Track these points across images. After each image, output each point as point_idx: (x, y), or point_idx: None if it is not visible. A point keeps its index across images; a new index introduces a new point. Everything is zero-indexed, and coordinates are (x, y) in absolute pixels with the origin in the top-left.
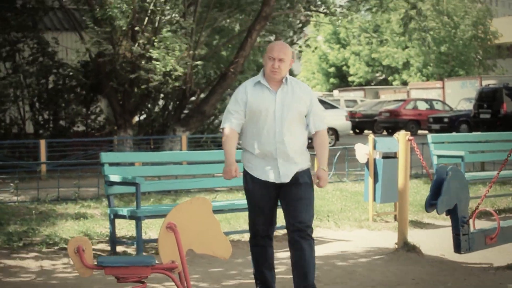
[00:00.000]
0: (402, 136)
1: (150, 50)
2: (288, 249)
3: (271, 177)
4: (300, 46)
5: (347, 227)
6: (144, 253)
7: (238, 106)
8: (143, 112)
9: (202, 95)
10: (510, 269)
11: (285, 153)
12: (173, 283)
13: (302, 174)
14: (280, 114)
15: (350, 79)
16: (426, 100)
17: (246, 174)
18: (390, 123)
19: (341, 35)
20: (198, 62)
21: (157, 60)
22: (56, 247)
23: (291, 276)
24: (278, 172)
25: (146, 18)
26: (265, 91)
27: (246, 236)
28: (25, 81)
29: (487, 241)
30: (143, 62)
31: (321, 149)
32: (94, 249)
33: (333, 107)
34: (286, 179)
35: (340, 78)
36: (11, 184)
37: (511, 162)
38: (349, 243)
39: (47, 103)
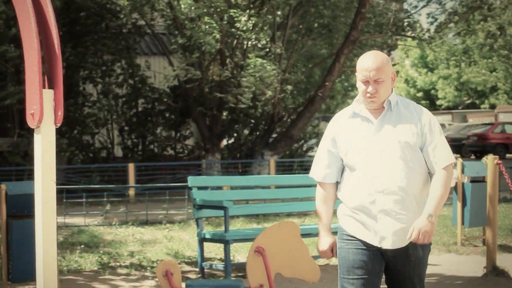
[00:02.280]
0: (490, 160)
1: (239, 75)
2: None
3: (369, 239)
4: None
5: (436, 251)
6: (232, 277)
7: (329, 147)
8: (231, 136)
9: (290, 119)
10: None
11: (388, 206)
12: None
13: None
14: (379, 151)
15: (438, 102)
16: None
17: (340, 231)
18: (478, 147)
19: (429, 58)
20: (288, 87)
21: (246, 86)
22: (144, 270)
23: None
24: (377, 234)
25: (235, 42)
26: (360, 122)
27: (335, 260)
28: (116, 105)
29: None
30: (231, 87)
31: (434, 188)
32: (182, 272)
33: None
34: (389, 244)
35: (428, 102)
36: (101, 208)
37: None
38: (438, 267)
39: (136, 127)
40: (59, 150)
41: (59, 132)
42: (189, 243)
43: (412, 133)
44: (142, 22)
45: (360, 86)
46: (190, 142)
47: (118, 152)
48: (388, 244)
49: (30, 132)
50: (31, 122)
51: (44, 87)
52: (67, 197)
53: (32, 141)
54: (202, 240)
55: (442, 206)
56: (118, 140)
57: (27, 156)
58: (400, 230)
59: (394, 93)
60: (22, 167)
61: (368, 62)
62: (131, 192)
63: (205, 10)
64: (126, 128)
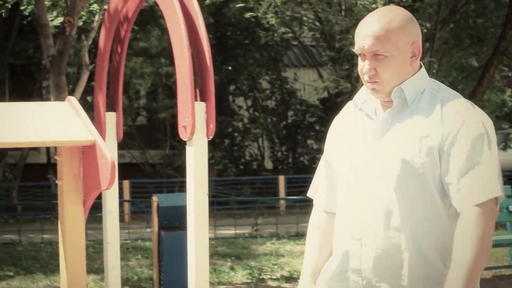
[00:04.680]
0: None
1: None
2: None
3: None
4: None
5: None
6: None
7: (325, 158)
8: None
9: None
10: None
11: (365, 265)
12: None
13: None
14: (367, 175)
15: None
16: None
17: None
18: None
19: None
20: None
21: None
22: (295, 283)
23: None
24: None
25: None
26: (363, 120)
27: (504, 271)
28: (265, 117)
29: None
30: None
31: (460, 243)
32: None
33: None
34: None
35: None
36: (251, 220)
37: None
38: None
39: (285, 139)
40: (213, 163)
41: (212, 144)
42: None
43: (420, 148)
44: (290, 35)
45: (359, 63)
46: None
47: (268, 164)
48: None
49: (182, 144)
50: (183, 135)
51: (196, 100)
52: (217, 209)
53: (184, 153)
54: None
55: (479, 275)
56: (268, 153)
57: (179, 168)
58: None
59: (417, 77)
60: (174, 179)
61: (365, 24)
62: (282, 204)
63: (354, 22)
64: (276, 140)
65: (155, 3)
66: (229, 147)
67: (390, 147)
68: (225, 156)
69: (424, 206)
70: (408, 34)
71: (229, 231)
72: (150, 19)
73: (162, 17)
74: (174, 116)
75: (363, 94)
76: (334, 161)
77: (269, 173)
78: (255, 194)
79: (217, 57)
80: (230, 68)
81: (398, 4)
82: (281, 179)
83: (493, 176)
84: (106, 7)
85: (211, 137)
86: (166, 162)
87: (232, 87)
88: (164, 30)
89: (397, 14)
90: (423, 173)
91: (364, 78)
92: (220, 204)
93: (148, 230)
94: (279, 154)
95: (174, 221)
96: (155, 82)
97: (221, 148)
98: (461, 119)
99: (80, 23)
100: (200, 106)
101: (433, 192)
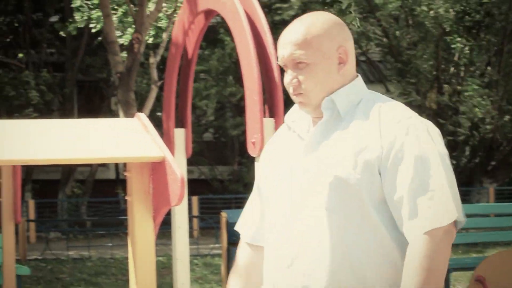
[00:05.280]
0: None
1: (456, 102)
2: None
3: None
4: None
5: None
6: None
7: (257, 186)
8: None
9: (510, 147)
10: None
11: None
12: None
13: None
14: (294, 195)
15: None
16: None
17: None
18: None
19: None
20: (506, 117)
21: (463, 113)
22: None
23: None
24: None
25: (451, 69)
26: (293, 140)
27: None
28: None
29: None
30: (449, 114)
31: (408, 275)
32: None
33: None
34: None
35: None
36: None
37: None
38: None
39: None
40: None
41: None
42: None
43: (356, 164)
44: (357, 50)
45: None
46: None
47: None
48: None
49: (250, 160)
50: (252, 151)
51: (264, 116)
52: None
53: (252, 169)
54: None
55: None
56: None
57: (248, 185)
58: None
59: (351, 87)
60: (242, 195)
61: (285, 31)
62: None
63: (421, 35)
64: None
65: (220, 21)
66: None
67: (321, 164)
68: None
69: (362, 229)
70: (331, 38)
71: None
72: (212, 39)
73: (225, 37)
74: (243, 133)
75: (293, 114)
76: (265, 189)
77: None
78: None
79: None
80: None
81: (469, 20)
82: None
83: (444, 197)
84: (173, 23)
85: None
86: (235, 178)
87: None
88: (227, 49)
89: (319, 18)
90: (359, 190)
91: (290, 91)
92: None
93: (217, 245)
94: None
95: None
96: (220, 100)
97: None
98: (403, 130)
99: (149, 40)
100: (269, 122)
101: (371, 213)
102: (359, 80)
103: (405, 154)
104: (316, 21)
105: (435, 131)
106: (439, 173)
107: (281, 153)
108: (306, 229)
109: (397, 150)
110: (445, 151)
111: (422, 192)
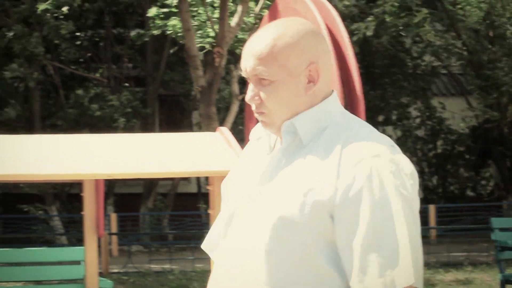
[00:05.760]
0: None
1: None
2: None
3: None
4: None
5: None
6: None
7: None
8: None
9: None
10: None
11: None
12: None
13: None
14: (243, 226)
15: None
16: None
17: None
18: None
19: None
20: None
21: None
22: None
23: None
24: None
25: None
26: (257, 158)
27: None
28: (415, 147)
29: None
30: None
31: None
32: None
33: None
34: None
35: None
36: None
37: None
38: None
39: (436, 168)
40: None
41: None
42: (491, 285)
43: (304, 204)
44: (437, 63)
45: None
46: (490, 183)
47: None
48: None
49: None
50: None
51: None
52: None
53: None
54: (504, 282)
55: None
56: (419, 181)
57: None
58: None
59: (318, 109)
60: None
61: (249, 41)
62: (432, 233)
63: (505, 51)
64: (426, 169)
65: None
66: None
67: (270, 199)
68: None
69: (309, 279)
70: (300, 54)
71: None
72: None
73: None
74: None
75: (258, 129)
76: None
77: (420, 202)
78: None
79: (365, 86)
80: (379, 97)
81: None
82: (432, 208)
83: (402, 256)
84: None
85: None
86: None
87: (381, 117)
88: None
89: (289, 28)
90: (304, 235)
91: (252, 107)
92: None
93: None
94: (430, 183)
95: None
96: None
97: None
98: (364, 172)
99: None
100: None
101: (317, 257)
102: (331, 100)
103: (362, 201)
104: (286, 32)
105: (407, 173)
106: (399, 227)
107: (245, 168)
108: (244, 261)
109: (353, 195)
110: (413, 198)
111: (375, 247)
